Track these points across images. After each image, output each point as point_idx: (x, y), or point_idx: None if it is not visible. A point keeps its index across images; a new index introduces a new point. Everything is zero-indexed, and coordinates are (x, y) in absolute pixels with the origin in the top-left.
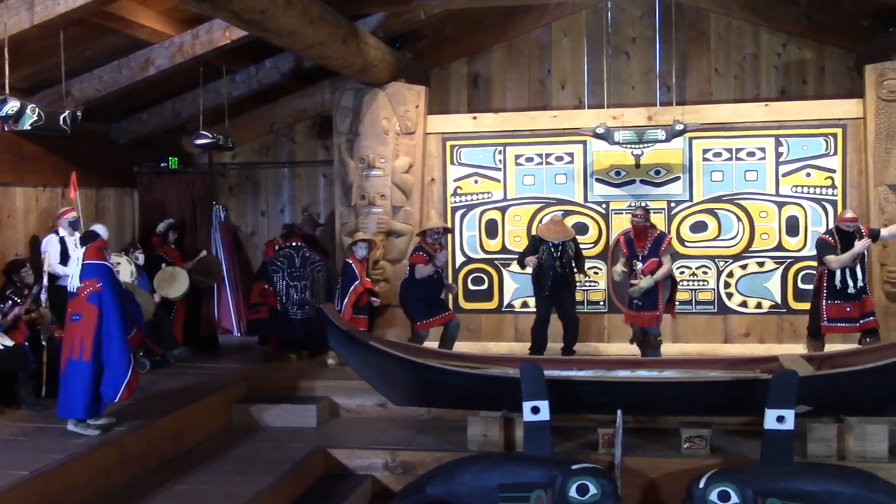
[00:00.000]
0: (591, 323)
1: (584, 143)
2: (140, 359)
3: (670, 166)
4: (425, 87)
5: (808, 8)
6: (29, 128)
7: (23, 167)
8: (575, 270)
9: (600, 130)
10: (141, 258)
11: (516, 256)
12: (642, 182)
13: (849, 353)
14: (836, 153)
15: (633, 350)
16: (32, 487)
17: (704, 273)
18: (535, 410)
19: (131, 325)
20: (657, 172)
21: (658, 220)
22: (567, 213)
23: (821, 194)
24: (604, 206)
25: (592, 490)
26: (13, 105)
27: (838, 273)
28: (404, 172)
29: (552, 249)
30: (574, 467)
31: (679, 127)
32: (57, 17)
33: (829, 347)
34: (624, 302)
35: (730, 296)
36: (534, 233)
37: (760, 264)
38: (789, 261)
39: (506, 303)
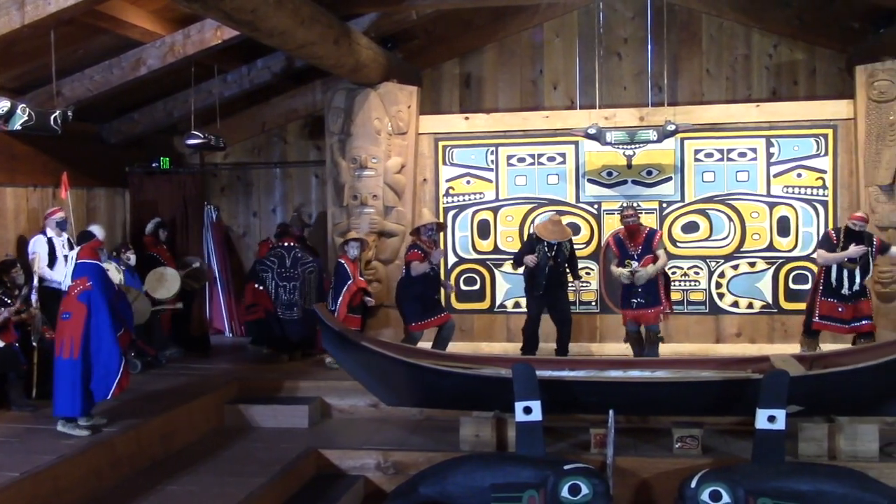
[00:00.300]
0: (584, 323)
1: (576, 143)
2: (132, 359)
3: (662, 167)
4: (417, 88)
5: (800, 9)
6: (19, 128)
7: (13, 167)
8: (567, 272)
9: (592, 131)
10: (132, 258)
11: (508, 257)
12: (634, 182)
13: (840, 353)
14: (826, 154)
15: (625, 350)
16: (23, 489)
17: (696, 273)
18: (528, 411)
19: (120, 324)
20: (649, 173)
21: (650, 221)
22: (559, 214)
23: (812, 195)
24: (596, 206)
25: (584, 490)
26: (3, 105)
27: (835, 271)
28: (396, 173)
29: (548, 249)
30: (566, 467)
31: (671, 127)
32: (48, 16)
33: (825, 348)
34: (617, 303)
35: (721, 296)
36: (531, 231)
37: (752, 264)
38: (780, 261)
39: (498, 303)
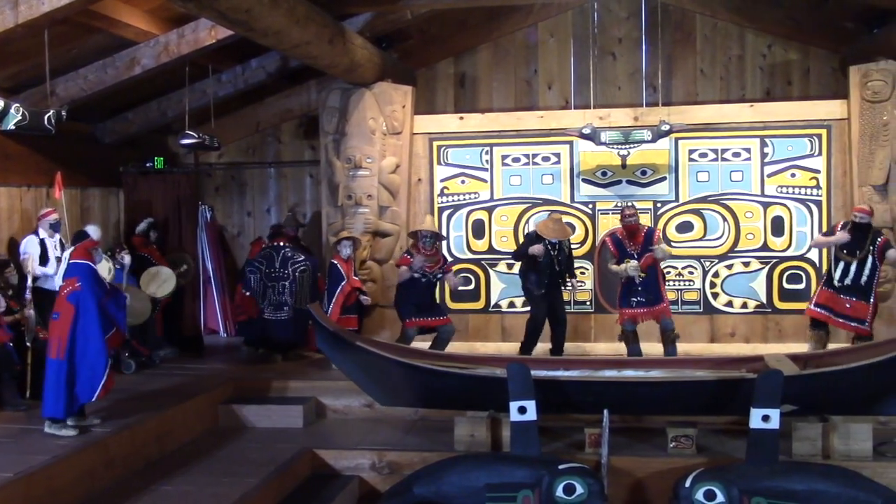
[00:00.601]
0: (578, 323)
1: (571, 143)
2: (125, 359)
3: (656, 167)
4: (412, 87)
5: (794, 10)
6: (13, 127)
7: (7, 167)
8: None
9: (587, 131)
10: (127, 259)
11: (503, 257)
12: (628, 182)
13: (834, 353)
14: (820, 154)
15: (619, 350)
16: (16, 489)
17: (690, 273)
18: (522, 410)
19: (110, 325)
20: (643, 173)
21: (644, 221)
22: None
23: (806, 195)
24: (590, 206)
25: (579, 490)
26: None
27: (833, 262)
28: (391, 172)
29: (549, 248)
30: (561, 467)
31: (665, 127)
32: (41, 16)
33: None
34: (613, 302)
35: (715, 296)
36: (531, 230)
37: (746, 264)
38: (774, 261)
39: (493, 303)
